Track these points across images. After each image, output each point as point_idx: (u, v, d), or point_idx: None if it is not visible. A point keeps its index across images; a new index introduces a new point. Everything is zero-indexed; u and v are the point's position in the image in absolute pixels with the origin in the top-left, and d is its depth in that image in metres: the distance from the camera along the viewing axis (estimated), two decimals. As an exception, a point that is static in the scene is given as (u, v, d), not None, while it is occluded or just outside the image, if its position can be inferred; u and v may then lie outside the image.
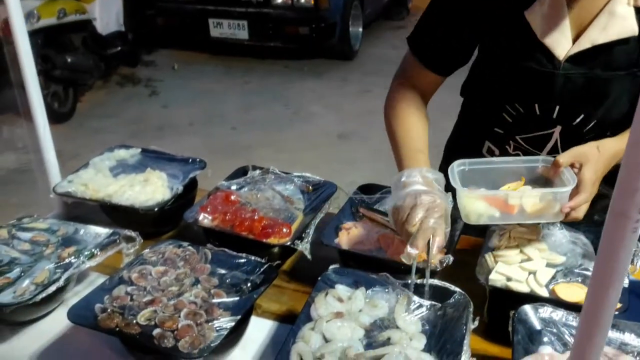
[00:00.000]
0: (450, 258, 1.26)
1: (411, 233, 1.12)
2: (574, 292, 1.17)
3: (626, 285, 1.20)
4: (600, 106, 1.23)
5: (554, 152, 1.34)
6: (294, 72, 6.55)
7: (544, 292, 1.18)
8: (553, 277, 1.23)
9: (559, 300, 1.15)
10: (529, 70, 1.25)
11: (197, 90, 6.02)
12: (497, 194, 1.23)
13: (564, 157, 1.20)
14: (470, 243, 1.45)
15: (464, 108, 1.57)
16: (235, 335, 1.12)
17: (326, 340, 1.04)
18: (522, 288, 1.19)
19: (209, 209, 1.43)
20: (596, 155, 1.18)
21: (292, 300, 1.33)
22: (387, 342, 1.05)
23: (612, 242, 0.56)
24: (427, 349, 1.05)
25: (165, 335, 1.04)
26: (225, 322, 1.08)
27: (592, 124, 1.26)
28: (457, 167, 1.29)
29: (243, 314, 1.10)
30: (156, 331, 1.05)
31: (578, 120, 1.26)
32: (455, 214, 1.24)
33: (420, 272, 1.17)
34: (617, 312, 1.14)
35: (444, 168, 1.47)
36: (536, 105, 1.29)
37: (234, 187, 1.53)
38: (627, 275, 1.23)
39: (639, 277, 1.26)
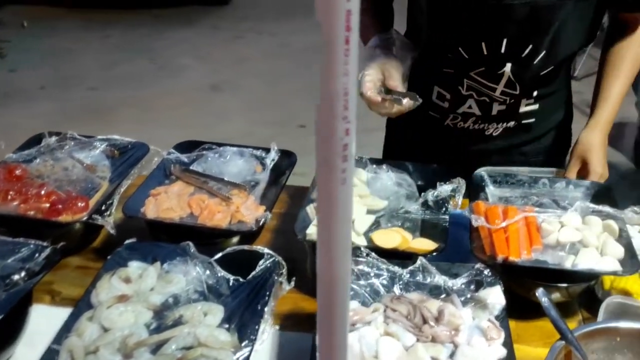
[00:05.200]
0: (269, 215, 1.16)
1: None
2: (390, 237, 1.11)
3: (446, 224, 1.15)
4: (547, 35, 1.21)
5: (509, 86, 1.29)
6: (163, 21, 6.07)
7: (362, 241, 1.11)
8: (374, 224, 1.16)
9: (376, 247, 1.08)
10: (474, 4, 1.20)
11: (50, 50, 5.40)
12: None
13: (570, 172, 1.33)
14: (298, 193, 1.35)
15: None
16: (5, 336, 0.94)
17: (105, 330, 0.90)
18: (340, 239, 1.11)
19: (-13, 189, 1.20)
20: (595, 143, 1.30)
21: (97, 282, 1.17)
22: (180, 320, 0.93)
23: (327, 198, 0.45)
24: (226, 323, 0.93)
25: None
26: (-15, 325, 0.90)
27: (541, 55, 1.24)
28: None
29: (8, 311, 0.92)
30: None
31: (527, 51, 1.23)
32: None
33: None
34: (435, 254, 1.09)
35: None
36: (483, 44, 1.24)
37: (23, 160, 1.31)
38: (448, 212, 1.19)
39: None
